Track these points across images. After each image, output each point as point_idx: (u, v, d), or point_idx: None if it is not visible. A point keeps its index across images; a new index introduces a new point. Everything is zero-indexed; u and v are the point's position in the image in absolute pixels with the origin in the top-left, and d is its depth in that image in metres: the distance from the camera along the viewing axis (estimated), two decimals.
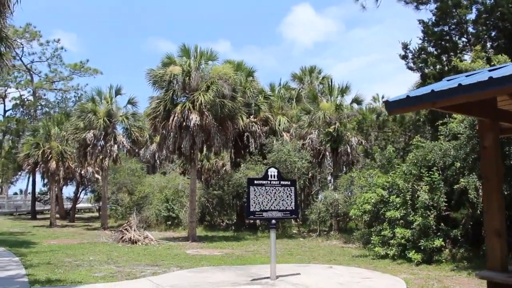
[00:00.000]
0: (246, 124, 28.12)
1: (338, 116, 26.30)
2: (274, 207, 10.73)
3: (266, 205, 10.66)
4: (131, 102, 31.27)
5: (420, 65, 18.31)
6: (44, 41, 53.08)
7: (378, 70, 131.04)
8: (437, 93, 5.11)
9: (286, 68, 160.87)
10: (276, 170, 10.96)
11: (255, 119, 29.06)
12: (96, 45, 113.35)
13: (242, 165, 27.95)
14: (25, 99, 54.92)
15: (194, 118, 21.18)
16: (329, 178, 30.95)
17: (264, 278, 10.91)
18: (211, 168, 41.83)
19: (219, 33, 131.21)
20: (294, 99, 33.87)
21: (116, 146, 30.11)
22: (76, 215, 46.30)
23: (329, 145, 26.50)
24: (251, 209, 10.54)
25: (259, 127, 28.89)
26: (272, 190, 10.76)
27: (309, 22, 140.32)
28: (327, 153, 27.56)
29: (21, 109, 55.31)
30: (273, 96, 31.80)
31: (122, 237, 21.44)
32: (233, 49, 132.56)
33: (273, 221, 10.77)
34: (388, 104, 5.59)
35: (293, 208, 11.00)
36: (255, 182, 10.74)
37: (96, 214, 55.65)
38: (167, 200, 30.79)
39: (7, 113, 54.95)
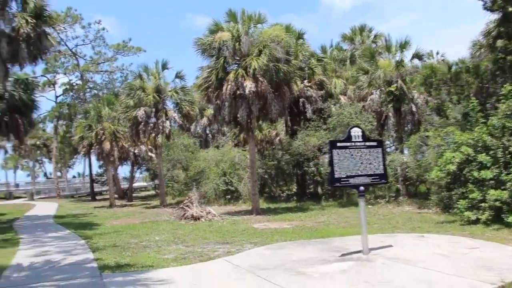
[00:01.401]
0: (301, 89, 26.64)
1: (399, 73, 24.40)
2: (361, 172, 9.38)
3: (352, 170, 9.31)
4: (179, 76, 30.39)
5: (502, 4, 16.24)
6: (86, 24, 52.88)
7: (420, 28, 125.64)
8: None
9: (327, 34, 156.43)
10: (360, 130, 9.55)
11: (309, 84, 27.54)
12: (134, 26, 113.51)
13: (300, 133, 26.57)
14: (74, 84, 55.21)
15: (249, 85, 19.92)
16: (392, 140, 29.16)
17: (354, 252, 9.64)
18: (264, 139, 40.73)
19: (255, 4, 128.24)
20: (348, 60, 32.00)
21: (168, 122, 29.38)
22: (133, 195, 46.43)
23: (391, 105, 24.74)
24: (336, 176, 9.21)
25: (315, 91, 27.36)
26: (358, 152, 9.39)
27: None
28: (390, 114, 25.80)
29: (71, 94, 55.67)
30: (326, 58, 30.07)
31: (184, 214, 20.66)
32: (271, 19, 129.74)
33: (362, 188, 9.42)
34: None
35: (382, 171, 9.60)
36: (338, 145, 9.38)
37: (152, 192, 55.97)
38: (224, 174, 29.95)
39: (58, 99, 55.47)
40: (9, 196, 58.10)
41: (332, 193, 27.15)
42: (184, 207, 21.14)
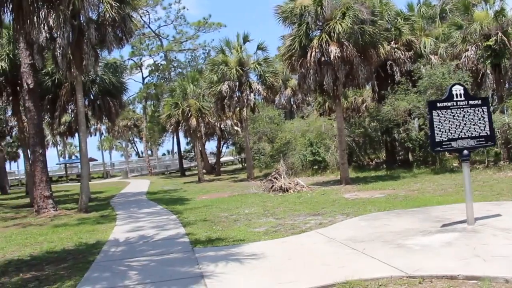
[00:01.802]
0: (388, 52, 25.26)
1: (499, 25, 22.35)
2: (465, 134, 8.48)
3: (455, 132, 8.46)
4: (260, 47, 30.02)
5: None
6: (167, 5, 53.81)
7: None
8: None
9: None
10: (462, 88, 8.60)
11: (396, 45, 26.06)
12: (213, 2, 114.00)
13: (388, 97, 25.32)
14: (159, 64, 56.68)
15: (334, 50, 19.12)
16: (492, 100, 27.08)
17: (458, 222, 8.84)
18: (349, 107, 39.60)
19: None
20: (438, 17, 29.88)
21: (252, 94, 29.25)
22: (220, 169, 47.23)
23: (489, 61, 22.82)
24: (437, 139, 8.41)
25: (402, 52, 25.86)
26: (460, 113, 8.49)
27: None
28: (488, 71, 23.86)
29: (157, 74, 57.22)
30: (413, 16, 28.26)
31: (272, 186, 20.50)
32: None
33: (465, 152, 8.53)
34: None
35: (488, 133, 8.63)
36: (438, 105, 8.52)
37: (239, 166, 56.80)
38: (311, 144, 29.42)
39: (145, 80, 57.34)
40: (106, 175, 61.50)
41: (424, 159, 25.84)
42: (272, 179, 20.97)
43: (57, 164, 67.87)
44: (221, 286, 6.10)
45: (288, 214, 12.71)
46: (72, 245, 10.62)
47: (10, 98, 26.79)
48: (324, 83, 20.04)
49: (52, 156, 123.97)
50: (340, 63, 19.46)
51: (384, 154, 30.69)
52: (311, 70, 19.87)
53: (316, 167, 29.28)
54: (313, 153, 29.17)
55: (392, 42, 26.01)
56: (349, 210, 12.36)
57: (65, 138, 57.57)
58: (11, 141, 47.89)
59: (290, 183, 20.30)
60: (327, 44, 19.47)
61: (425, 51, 26.09)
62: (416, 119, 25.02)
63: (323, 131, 31.23)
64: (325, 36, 19.63)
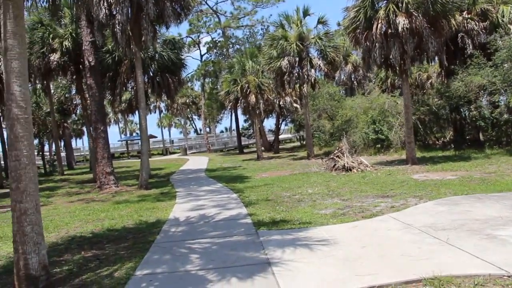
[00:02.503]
0: (459, 23, 23.53)
1: None
2: None
3: None
4: (321, 21, 28.92)
5: None
6: None
7: None
8: None
9: None
10: None
11: (469, 15, 24.25)
12: None
13: (459, 72, 23.73)
14: (217, 41, 56.42)
15: (402, 21, 17.90)
16: None
17: None
18: (413, 83, 37.79)
19: None
20: None
21: (312, 70, 28.35)
22: (279, 146, 46.74)
23: None
24: None
25: (476, 23, 24.04)
26: None
27: None
28: None
29: (215, 51, 57.00)
30: None
31: (335, 165, 19.77)
32: None
33: None
34: None
35: None
36: None
37: (298, 143, 56.10)
38: (374, 122, 28.27)
39: (203, 58, 57.33)
40: (165, 152, 62.48)
41: (497, 139, 24.12)
42: (334, 157, 20.23)
43: (118, 141, 69.68)
44: (291, 277, 5.54)
45: (355, 195, 12.00)
46: (132, 223, 10.43)
47: (74, 77, 27.31)
48: (391, 57, 18.88)
49: (114, 133, 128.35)
50: (408, 35, 18.21)
51: (451, 133, 29.07)
52: (376, 43, 18.75)
53: (379, 145, 28.16)
54: (376, 131, 28.04)
55: (465, 12, 24.23)
56: (421, 193, 11.49)
57: (126, 116, 58.80)
58: (76, 118, 49.29)
59: (353, 162, 19.49)
60: (394, 15, 18.27)
61: (503, 21, 24.05)
62: (492, 95, 23.25)
63: (386, 109, 29.95)
64: (393, 7, 18.42)
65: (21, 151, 5.84)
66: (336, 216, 9.25)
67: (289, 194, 13.30)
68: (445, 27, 19.04)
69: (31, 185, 5.88)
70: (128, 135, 78.91)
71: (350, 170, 18.87)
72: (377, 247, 6.49)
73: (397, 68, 19.96)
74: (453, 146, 26.29)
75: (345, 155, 19.88)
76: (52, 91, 36.01)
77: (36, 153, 46.12)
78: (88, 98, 21.36)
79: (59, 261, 7.40)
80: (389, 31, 18.57)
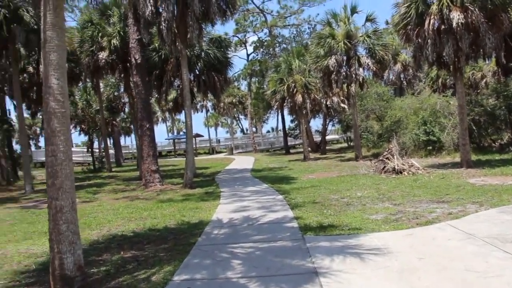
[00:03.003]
0: None
1: None
2: None
3: None
4: (369, 19, 28.17)
5: None
6: None
7: None
8: None
9: None
10: None
11: None
12: None
13: None
14: (263, 40, 56.13)
15: (456, 16, 16.93)
16: None
17: None
18: (465, 83, 36.23)
19: None
20: None
21: (361, 69, 27.53)
22: (326, 147, 45.98)
23: None
24: None
25: None
26: None
27: None
28: None
29: (261, 50, 56.72)
30: None
31: (384, 167, 18.98)
32: None
33: None
34: None
35: None
36: None
37: (345, 144, 55.15)
38: (425, 123, 27.19)
39: (250, 57, 57.22)
40: (211, 151, 62.76)
41: None
42: (384, 159, 19.45)
43: (166, 139, 70.49)
44: None
45: (407, 200, 11.32)
46: (174, 223, 10.16)
47: (122, 75, 27.63)
48: (444, 54, 17.96)
49: (162, 132, 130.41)
50: (463, 31, 17.22)
51: (509, 135, 27.60)
52: (429, 40, 17.82)
53: (430, 147, 27.07)
54: (427, 132, 26.95)
55: None
56: (480, 199, 10.68)
57: (173, 114, 59.42)
58: (125, 116, 50.15)
59: (403, 164, 18.66)
60: (448, 10, 17.32)
61: None
62: None
63: (438, 109, 28.79)
64: (446, 1, 17.44)
65: (57, 146, 5.60)
66: (388, 222, 8.66)
67: (337, 197, 12.74)
68: (504, 22, 17.89)
69: (67, 182, 5.63)
70: (175, 133, 79.77)
71: (401, 172, 18.08)
72: (436, 259, 5.87)
73: (451, 66, 18.97)
74: (511, 149, 24.95)
75: (395, 157, 19.07)
76: (101, 89, 36.70)
77: (85, 150, 47.34)
78: (135, 96, 21.40)
79: (98, 261, 7.18)
80: (442, 27, 17.63)
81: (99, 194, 18.72)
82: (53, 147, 5.59)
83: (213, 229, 9.06)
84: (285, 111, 44.83)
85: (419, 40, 18.35)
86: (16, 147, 32.16)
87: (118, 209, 13.43)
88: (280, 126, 58.75)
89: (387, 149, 20.35)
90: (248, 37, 57.48)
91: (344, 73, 27.82)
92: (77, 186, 23.03)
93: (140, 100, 19.45)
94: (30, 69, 26.69)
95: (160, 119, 77.07)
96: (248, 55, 57.47)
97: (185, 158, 22.59)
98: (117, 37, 24.32)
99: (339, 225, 8.61)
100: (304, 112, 34.64)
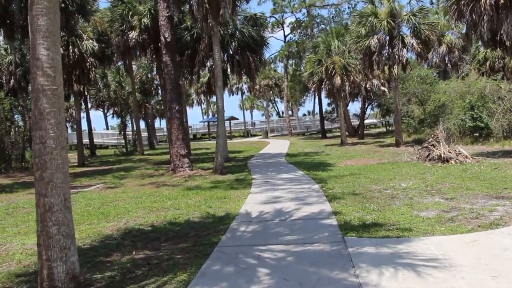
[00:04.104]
0: None
1: None
2: None
3: None
4: None
5: None
6: None
7: None
8: None
9: None
10: None
11: None
12: None
13: None
14: (301, 21, 54.50)
15: None
16: None
17: None
18: None
19: None
20: None
21: (404, 50, 25.80)
22: (364, 132, 44.38)
23: None
24: None
25: None
26: None
27: None
28: None
29: (299, 31, 55.14)
30: None
31: (429, 154, 17.56)
32: None
33: None
34: None
35: None
36: None
37: (383, 129, 53.32)
38: (472, 108, 25.40)
39: (287, 38, 55.73)
40: (246, 134, 61.89)
41: None
42: (428, 146, 17.99)
43: (200, 122, 69.99)
44: None
45: (460, 194, 9.98)
46: (198, 216, 9.18)
47: (154, 56, 26.80)
48: (502, 31, 16.30)
49: (197, 114, 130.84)
50: None
51: None
52: (485, 16, 16.19)
53: (477, 134, 25.32)
54: (474, 118, 25.19)
55: None
56: None
57: (208, 97, 58.67)
58: (160, 99, 49.63)
59: (450, 152, 17.19)
60: None
61: None
62: None
63: (487, 93, 26.91)
64: None
65: (46, 132, 4.61)
66: (442, 221, 7.41)
67: (380, 188, 11.49)
68: None
69: (58, 175, 4.64)
70: (210, 116, 79.14)
71: (447, 161, 16.62)
72: None
73: (508, 44, 17.25)
74: None
75: (441, 143, 17.60)
76: (134, 71, 36.09)
77: (118, 133, 47.08)
78: (164, 76, 20.48)
79: (105, 263, 6.24)
80: (501, 1, 15.97)
81: (125, 179, 17.99)
82: (41, 132, 4.60)
83: (240, 225, 8.01)
84: (322, 94, 43.42)
85: (474, 16, 16.69)
86: None
87: (141, 197, 12.57)
88: (317, 110, 57.34)
89: (432, 135, 18.83)
90: (286, 18, 56.08)
91: (386, 54, 26.22)
92: (106, 170, 22.59)
93: (170, 80, 18.49)
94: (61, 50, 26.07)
95: (195, 102, 76.47)
96: (285, 37, 56.09)
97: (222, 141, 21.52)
98: (148, 16, 23.47)
99: (385, 224, 7.43)
100: (342, 95, 33.23)
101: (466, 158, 16.94)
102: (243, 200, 10.85)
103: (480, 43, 38.00)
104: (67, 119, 63.72)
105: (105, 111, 51.24)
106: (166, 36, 18.30)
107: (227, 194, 11.98)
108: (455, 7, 17.36)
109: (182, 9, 22.82)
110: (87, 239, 7.80)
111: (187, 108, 75.58)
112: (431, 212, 8.20)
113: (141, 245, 7.13)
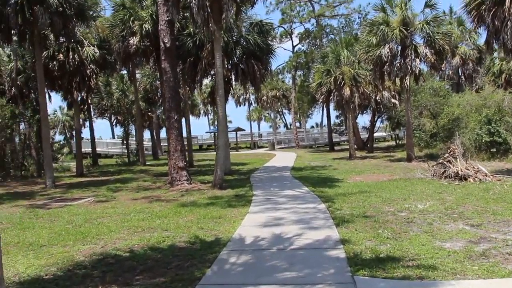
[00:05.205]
0: None
1: None
2: None
3: None
4: (429, 5, 25.19)
5: None
6: None
7: None
8: None
9: None
10: None
11: None
12: None
13: None
14: (310, 30, 53.49)
15: None
16: None
17: None
18: None
19: None
20: None
21: (417, 60, 24.57)
22: (373, 145, 43.09)
23: None
24: None
25: None
26: None
27: None
28: None
29: (307, 40, 54.08)
30: None
31: (445, 171, 16.28)
32: None
33: None
34: None
35: None
36: None
37: (392, 143, 52.01)
38: (489, 122, 24.12)
39: (295, 49, 54.70)
40: (253, 145, 60.82)
41: None
42: (444, 162, 16.70)
43: (206, 132, 68.98)
44: None
45: (487, 219, 8.71)
46: (185, 240, 8.02)
47: (156, 64, 25.87)
48: None
49: (203, 125, 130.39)
50: None
51: None
52: (508, 22, 15.01)
53: (494, 150, 23.99)
54: (491, 132, 23.90)
55: None
56: None
57: (214, 107, 57.76)
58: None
59: (468, 169, 15.91)
60: None
61: None
62: None
63: (504, 107, 25.64)
64: None
65: None
66: (472, 257, 6.16)
67: (393, 209, 10.25)
68: None
69: None
70: (216, 127, 78.28)
71: (465, 179, 15.35)
72: None
73: None
74: None
75: (458, 160, 16.34)
76: (138, 79, 35.14)
77: (120, 142, 46.05)
78: (163, 84, 19.43)
79: None
80: None
81: (119, 191, 16.90)
82: None
83: (231, 254, 6.82)
84: (331, 106, 42.33)
85: (496, 22, 15.52)
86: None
87: (130, 213, 11.44)
88: (325, 122, 56.16)
89: (448, 151, 17.54)
90: (294, 28, 55.00)
91: (397, 65, 25.01)
92: (103, 181, 21.54)
93: (169, 88, 17.42)
94: (60, 56, 25.01)
95: (202, 112, 75.64)
96: (293, 47, 54.96)
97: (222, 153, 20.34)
98: (149, 21, 22.54)
99: (403, 258, 6.20)
100: (351, 107, 32.04)
101: (486, 176, 15.66)
102: (239, 221, 9.67)
103: (495, 54, 37.10)
104: (73, 127, 63.05)
105: (111, 120, 50.41)
106: (166, 41, 17.26)
107: (222, 213, 10.80)
108: (475, 12, 16.21)
109: (185, 14, 21.83)
110: (53, 267, 6.70)
111: (194, 118, 75.05)
112: (456, 243, 6.96)
113: (110, 277, 5.98)
